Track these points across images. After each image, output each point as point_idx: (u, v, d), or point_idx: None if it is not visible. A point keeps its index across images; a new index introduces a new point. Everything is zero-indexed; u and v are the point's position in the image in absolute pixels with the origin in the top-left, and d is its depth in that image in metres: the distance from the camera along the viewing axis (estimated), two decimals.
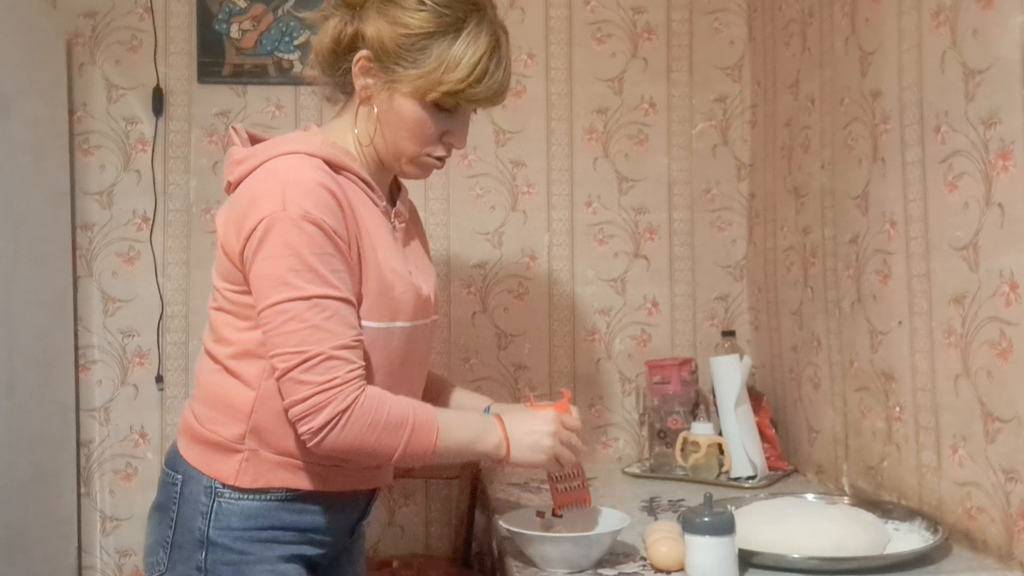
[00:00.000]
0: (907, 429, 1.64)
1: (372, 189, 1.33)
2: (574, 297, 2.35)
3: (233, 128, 1.36)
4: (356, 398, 1.20)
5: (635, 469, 2.14)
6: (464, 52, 1.26)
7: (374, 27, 1.28)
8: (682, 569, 1.31)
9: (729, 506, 1.49)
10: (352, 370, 1.20)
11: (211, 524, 1.26)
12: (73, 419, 2.21)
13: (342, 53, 1.32)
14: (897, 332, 1.66)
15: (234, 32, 2.28)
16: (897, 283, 1.66)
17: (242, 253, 1.22)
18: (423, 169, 1.36)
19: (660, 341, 2.36)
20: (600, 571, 1.38)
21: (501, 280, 2.33)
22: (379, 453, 1.23)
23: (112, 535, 2.26)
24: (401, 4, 1.27)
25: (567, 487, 1.46)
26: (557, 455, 1.35)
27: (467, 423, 1.33)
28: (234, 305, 1.28)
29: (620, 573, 1.38)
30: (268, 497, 1.28)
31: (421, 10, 1.26)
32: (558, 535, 1.40)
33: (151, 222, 2.27)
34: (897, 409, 1.67)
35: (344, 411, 1.19)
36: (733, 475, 1.97)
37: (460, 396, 1.59)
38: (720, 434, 2.00)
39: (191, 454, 1.30)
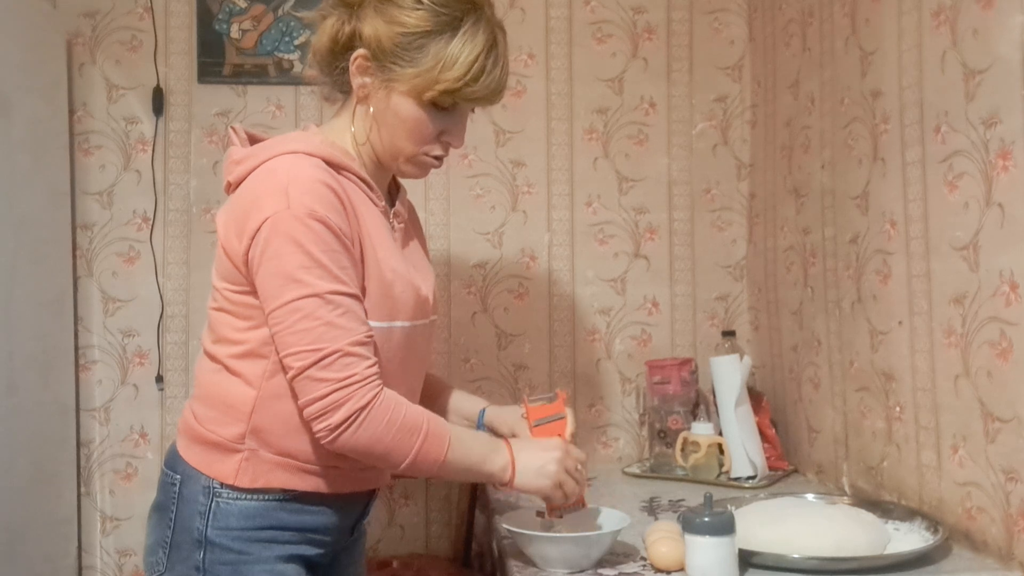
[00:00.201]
0: (907, 429, 1.64)
1: (371, 189, 1.33)
2: (574, 297, 2.34)
3: (232, 128, 1.36)
4: (375, 396, 1.20)
5: (635, 469, 2.13)
6: (461, 51, 1.26)
7: (371, 26, 1.28)
8: (682, 569, 1.31)
9: (729, 506, 1.49)
10: (370, 366, 1.20)
11: (209, 524, 1.26)
12: (73, 419, 2.21)
13: (340, 52, 1.32)
14: (897, 332, 1.66)
15: (234, 32, 2.28)
16: (897, 283, 1.66)
17: (247, 254, 1.22)
18: (421, 168, 1.36)
19: (660, 341, 2.36)
20: (600, 571, 1.38)
21: (501, 280, 2.33)
22: (391, 456, 1.23)
23: (112, 535, 2.26)
24: (398, 3, 1.27)
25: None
26: (561, 483, 1.34)
27: (477, 441, 1.33)
28: (234, 305, 1.28)
29: (620, 573, 1.38)
30: (267, 497, 1.28)
31: (418, 9, 1.26)
32: (558, 535, 1.40)
33: (151, 222, 2.27)
34: (897, 409, 1.67)
35: (363, 408, 1.19)
36: (733, 475, 1.97)
37: (457, 398, 1.59)
38: (720, 434, 2.00)
39: (190, 454, 1.30)
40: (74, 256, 2.24)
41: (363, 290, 1.26)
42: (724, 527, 1.26)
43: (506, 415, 1.52)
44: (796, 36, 2.07)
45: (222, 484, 1.27)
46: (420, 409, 1.27)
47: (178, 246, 2.28)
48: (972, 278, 1.43)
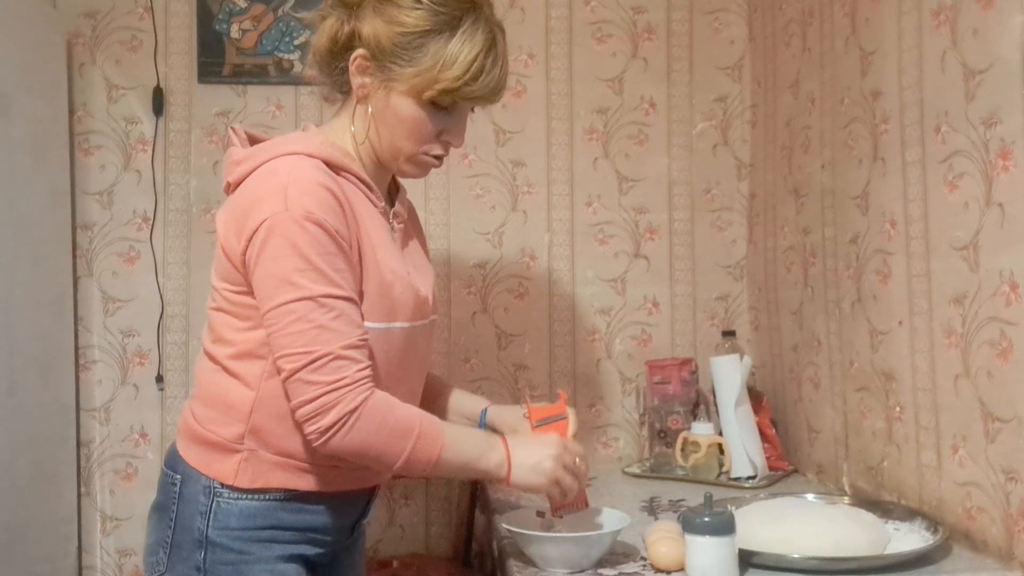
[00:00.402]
0: (907, 429, 1.64)
1: (371, 190, 1.33)
2: (574, 297, 2.34)
3: (232, 128, 1.36)
4: (365, 399, 1.20)
5: (635, 469, 2.13)
6: (460, 50, 1.26)
7: (371, 26, 1.28)
8: (682, 569, 1.31)
9: (729, 506, 1.49)
10: (361, 369, 1.20)
11: (210, 524, 1.26)
12: (73, 419, 2.21)
13: (339, 52, 1.32)
14: (897, 332, 1.66)
15: (234, 32, 2.28)
16: (897, 283, 1.66)
17: (244, 254, 1.22)
18: (421, 168, 1.36)
19: (660, 341, 2.35)
20: (600, 571, 1.38)
21: (501, 280, 2.33)
22: (384, 457, 1.23)
23: (112, 535, 2.26)
24: (397, 3, 1.27)
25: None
26: (558, 479, 1.34)
27: (471, 439, 1.32)
28: (233, 305, 1.28)
29: (620, 573, 1.38)
30: (267, 497, 1.28)
31: (417, 8, 1.26)
32: (558, 535, 1.40)
33: (151, 222, 2.27)
34: (897, 409, 1.67)
35: (353, 411, 1.19)
36: (733, 475, 1.97)
37: (458, 397, 1.59)
38: (720, 434, 2.00)
39: (190, 454, 1.30)
40: (74, 256, 2.24)
41: (361, 291, 1.26)
42: (724, 527, 1.26)
43: (508, 415, 1.52)
44: (796, 36, 2.07)
45: (222, 484, 1.27)
46: (413, 409, 1.27)
47: (178, 246, 2.28)
48: (972, 278, 1.43)
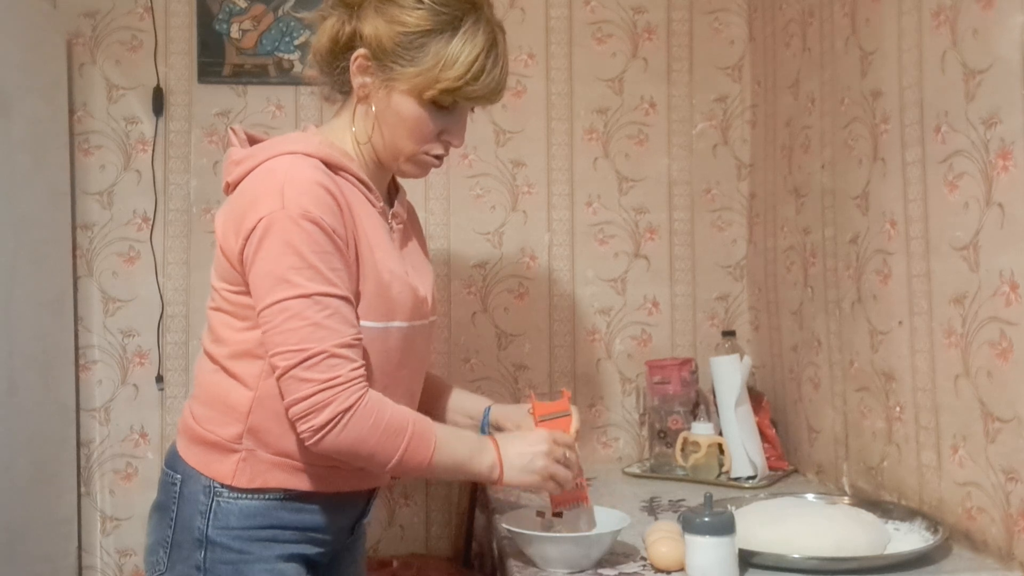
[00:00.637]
0: (907, 429, 1.64)
1: (370, 190, 1.33)
2: (574, 297, 2.34)
3: (232, 129, 1.36)
4: (359, 398, 1.20)
5: (635, 469, 2.13)
6: (461, 50, 1.26)
7: (372, 26, 1.28)
8: (682, 569, 1.31)
9: (729, 506, 1.49)
10: (355, 368, 1.20)
11: (210, 523, 1.26)
12: (73, 419, 2.21)
13: (340, 52, 1.32)
14: (897, 332, 1.66)
15: (234, 32, 2.28)
16: (897, 283, 1.66)
17: (242, 253, 1.23)
18: (421, 168, 1.37)
19: (660, 341, 2.35)
20: (600, 571, 1.38)
21: (501, 280, 2.33)
22: (376, 457, 1.23)
23: (112, 535, 2.26)
24: (398, 2, 1.27)
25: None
26: (552, 474, 1.34)
27: (463, 440, 1.32)
28: (232, 305, 1.28)
29: (620, 573, 1.38)
30: (267, 496, 1.28)
31: (418, 8, 1.26)
32: (558, 535, 1.40)
33: (151, 222, 2.27)
34: (897, 409, 1.67)
35: (346, 410, 1.19)
36: (733, 475, 1.97)
37: (459, 397, 1.59)
38: (720, 434, 2.00)
39: (190, 454, 1.31)
40: (74, 256, 2.24)
41: (358, 291, 1.26)
42: (724, 527, 1.26)
43: (511, 412, 1.53)
44: (796, 36, 2.07)
45: (222, 484, 1.27)
46: (406, 410, 1.27)
47: (178, 246, 2.28)
48: (972, 278, 1.43)
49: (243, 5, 2.28)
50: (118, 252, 2.27)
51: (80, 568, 2.23)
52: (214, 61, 2.27)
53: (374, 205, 1.33)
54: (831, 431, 1.93)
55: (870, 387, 1.76)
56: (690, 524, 1.27)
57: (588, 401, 2.33)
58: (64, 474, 2.17)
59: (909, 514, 1.55)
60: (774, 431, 2.09)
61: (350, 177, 1.30)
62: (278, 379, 1.20)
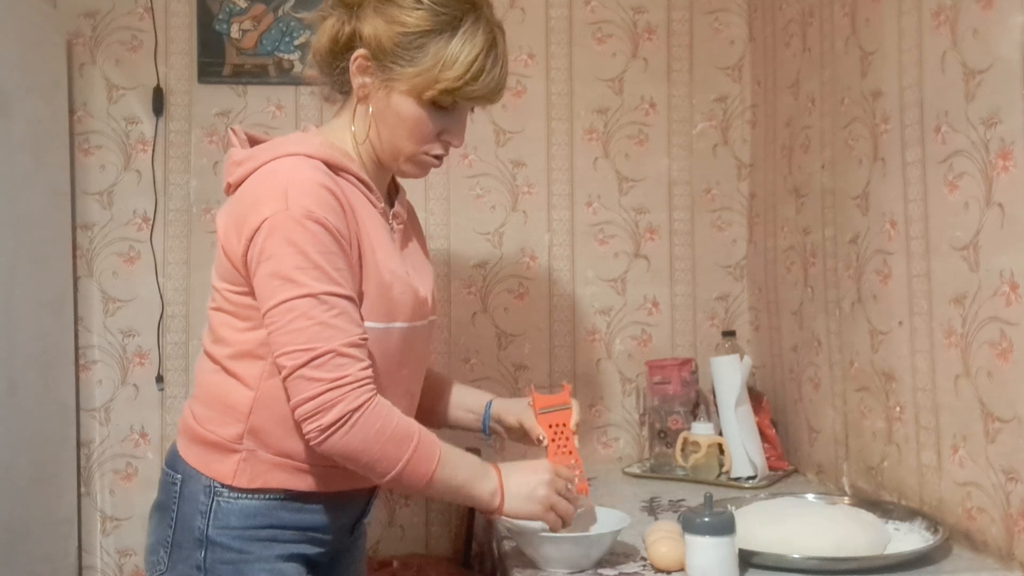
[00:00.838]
0: (907, 429, 1.64)
1: (370, 190, 1.33)
2: (574, 297, 2.34)
3: (232, 129, 1.36)
4: (368, 399, 1.19)
5: (635, 469, 2.13)
6: (461, 50, 1.26)
7: (371, 26, 1.28)
8: (682, 569, 1.31)
9: (729, 506, 1.49)
10: (363, 369, 1.20)
11: (210, 523, 1.26)
12: (73, 419, 2.21)
13: (340, 52, 1.32)
14: (897, 332, 1.66)
15: (234, 32, 2.28)
16: (897, 283, 1.66)
17: (245, 254, 1.22)
18: (421, 168, 1.37)
19: (660, 341, 2.35)
20: (600, 571, 1.38)
21: (501, 280, 2.33)
22: (379, 464, 1.21)
23: (112, 535, 2.26)
24: (398, 3, 1.27)
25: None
26: (553, 505, 1.33)
27: (467, 462, 1.30)
28: (233, 306, 1.28)
29: (620, 573, 1.38)
30: (267, 496, 1.28)
31: (418, 8, 1.26)
32: (558, 535, 1.39)
33: (151, 222, 2.27)
34: (897, 409, 1.67)
35: (355, 411, 1.18)
36: (733, 475, 1.97)
37: (461, 392, 1.59)
38: (720, 434, 2.00)
39: (190, 454, 1.31)
40: (74, 256, 2.24)
41: (361, 292, 1.26)
42: (724, 527, 1.26)
43: (512, 406, 1.53)
44: (796, 36, 2.07)
45: (222, 484, 1.27)
46: (412, 420, 1.26)
47: (178, 246, 2.28)
48: (972, 278, 1.43)
49: (243, 5, 2.28)
50: (118, 252, 2.27)
51: (80, 568, 2.23)
52: (214, 61, 2.27)
53: (375, 206, 1.33)
54: (831, 431, 1.93)
55: (870, 387, 1.76)
56: (690, 524, 1.27)
57: (588, 401, 2.33)
58: (64, 474, 2.17)
59: (909, 514, 1.55)
60: (774, 431, 2.09)
61: (351, 178, 1.30)
62: (285, 379, 1.20)
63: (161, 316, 2.27)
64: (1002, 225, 1.36)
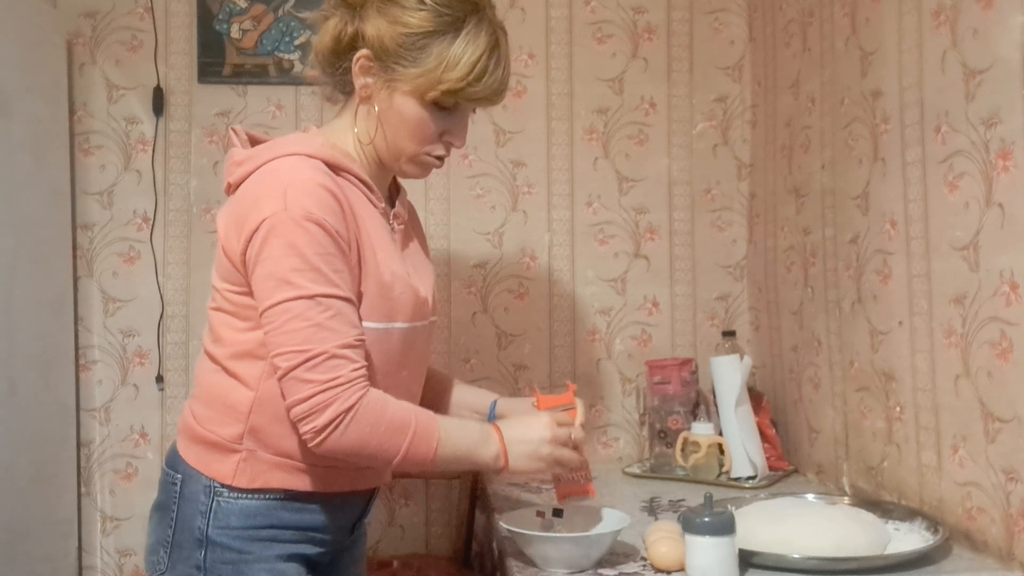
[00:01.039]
0: (907, 429, 1.64)
1: (371, 191, 1.33)
2: (574, 297, 2.34)
3: (233, 129, 1.36)
4: (360, 398, 1.20)
5: (635, 469, 2.13)
6: (464, 51, 1.26)
7: (374, 26, 1.28)
8: (682, 569, 1.31)
9: (729, 506, 1.49)
10: (356, 369, 1.20)
11: (210, 523, 1.26)
12: (73, 419, 2.21)
13: (342, 53, 1.32)
14: (897, 332, 1.66)
15: (234, 32, 2.28)
16: (897, 283, 1.66)
17: (244, 254, 1.23)
18: (423, 168, 1.37)
19: (660, 341, 2.36)
20: (600, 571, 1.38)
21: (501, 280, 2.33)
22: (380, 456, 1.23)
23: (112, 535, 2.26)
24: (401, 3, 1.27)
25: (570, 477, 1.45)
26: (558, 459, 1.34)
27: (467, 431, 1.32)
28: (233, 306, 1.28)
29: (620, 573, 1.38)
30: (267, 496, 1.28)
31: (421, 9, 1.26)
32: (558, 535, 1.40)
33: (151, 222, 2.27)
34: (897, 409, 1.67)
35: (347, 410, 1.19)
36: (733, 475, 1.97)
37: (463, 392, 1.59)
38: (720, 434, 2.00)
39: (190, 454, 1.31)
40: (74, 256, 2.24)
41: (360, 292, 1.26)
42: (724, 527, 1.26)
43: (517, 406, 1.52)
44: (796, 36, 2.07)
45: (222, 484, 1.27)
46: (407, 405, 1.26)
47: (178, 246, 2.28)
48: (972, 278, 1.43)
49: (243, 5, 2.28)
50: (118, 252, 2.27)
51: (80, 568, 2.23)
52: (214, 61, 2.27)
53: (376, 206, 1.33)
54: (831, 431, 1.93)
55: (870, 387, 1.76)
56: (690, 524, 1.27)
57: (588, 401, 2.32)
58: (64, 474, 2.17)
59: (909, 514, 1.55)
60: (774, 431, 2.09)
61: (352, 178, 1.30)
62: (280, 380, 1.20)
63: (161, 316, 2.27)
64: (1002, 225, 1.36)
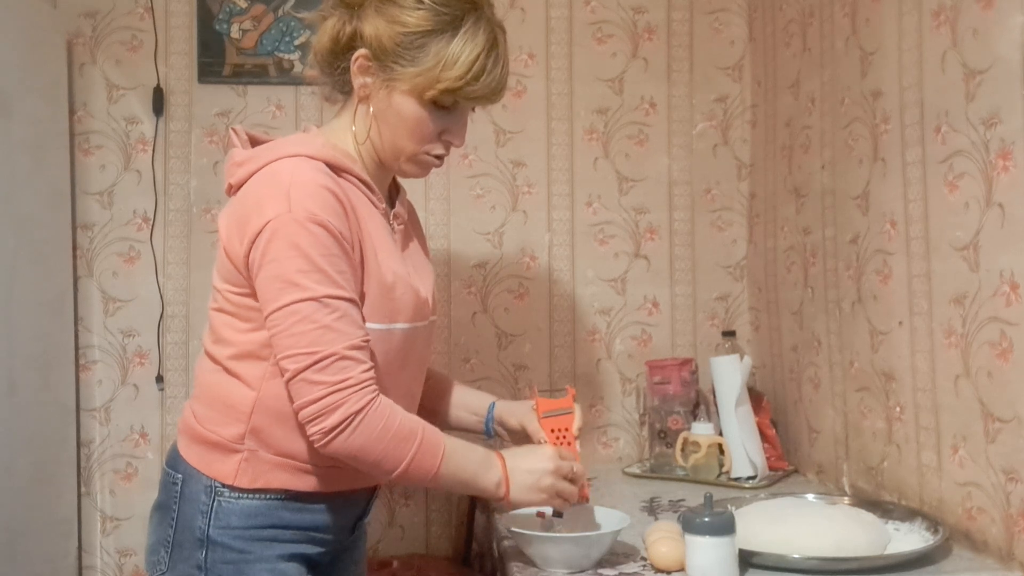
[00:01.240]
0: (907, 429, 1.64)
1: (372, 191, 1.33)
2: (574, 297, 2.34)
3: (233, 129, 1.36)
4: (371, 401, 1.20)
5: (635, 469, 2.13)
6: (462, 50, 1.26)
7: (372, 26, 1.28)
8: (682, 569, 1.31)
9: (729, 506, 1.49)
10: (365, 371, 1.20)
11: (211, 523, 1.26)
12: (73, 419, 2.21)
13: (341, 52, 1.32)
14: (897, 332, 1.66)
15: (234, 32, 2.28)
16: (897, 283, 1.66)
17: (247, 256, 1.22)
18: (422, 167, 1.37)
19: (660, 341, 2.35)
20: (600, 571, 1.38)
21: (501, 280, 2.33)
22: (384, 463, 1.22)
23: (112, 535, 2.26)
24: (399, 3, 1.27)
25: None
26: (559, 491, 1.34)
27: (471, 455, 1.31)
28: (235, 306, 1.28)
29: (620, 573, 1.38)
30: (268, 496, 1.28)
31: (419, 8, 1.27)
32: (558, 535, 1.40)
33: (151, 222, 2.27)
34: (897, 409, 1.67)
35: (357, 412, 1.19)
36: (733, 475, 1.97)
37: (462, 393, 1.59)
38: (720, 434, 2.00)
39: (191, 454, 1.31)
40: (74, 256, 2.24)
41: (362, 293, 1.26)
42: (724, 527, 1.26)
43: (515, 408, 1.53)
44: (796, 36, 2.07)
45: (223, 484, 1.27)
46: (416, 418, 1.27)
47: (178, 246, 2.28)
48: (972, 278, 1.43)
49: (243, 5, 2.28)
50: (118, 252, 2.27)
51: (80, 568, 2.23)
52: (214, 61, 2.27)
53: (376, 207, 1.33)
54: (831, 431, 1.93)
55: (870, 387, 1.76)
56: (690, 524, 1.27)
57: (588, 401, 2.32)
58: (64, 474, 2.17)
59: (909, 514, 1.55)
60: (774, 431, 2.09)
61: (353, 179, 1.30)
62: (288, 382, 1.20)
63: (161, 316, 2.27)
64: (1002, 225, 1.36)
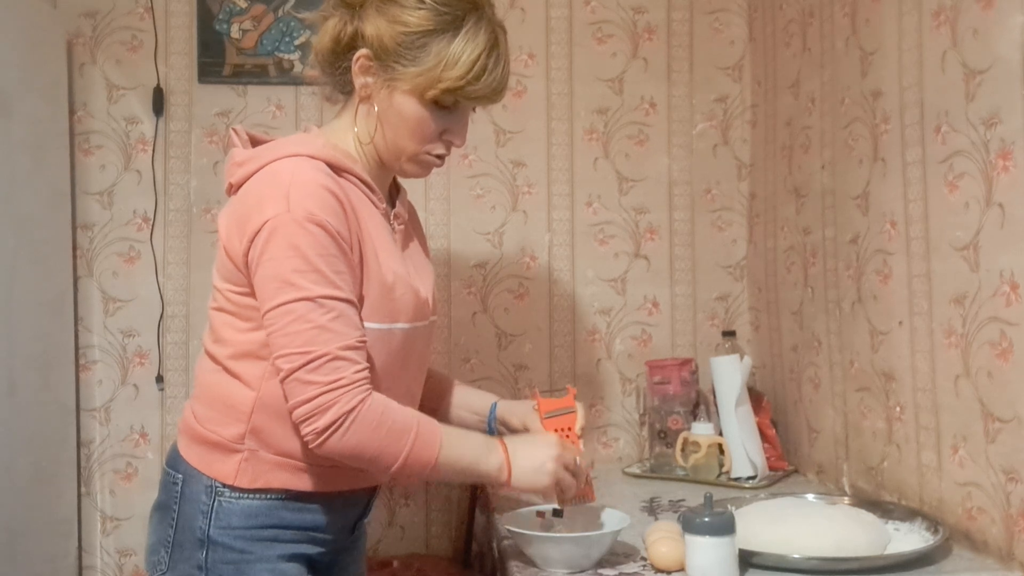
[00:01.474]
0: (907, 429, 1.64)
1: (373, 191, 1.33)
2: (574, 297, 2.34)
3: (233, 129, 1.36)
4: (363, 400, 1.20)
5: (635, 469, 2.13)
6: (463, 50, 1.26)
7: (373, 26, 1.28)
8: (682, 569, 1.31)
9: (729, 506, 1.49)
10: (358, 371, 1.20)
11: (212, 523, 1.26)
12: (73, 419, 2.21)
13: (342, 52, 1.32)
14: (897, 332, 1.66)
15: (234, 32, 2.28)
16: (897, 283, 1.66)
17: (246, 255, 1.23)
18: (423, 167, 1.37)
19: (660, 341, 2.36)
20: (600, 571, 1.38)
21: (501, 280, 2.33)
22: (381, 459, 1.22)
23: (112, 535, 2.26)
24: (400, 3, 1.27)
25: None
26: (560, 479, 1.34)
27: (470, 441, 1.32)
28: (235, 306, 1.28)
29: (620, 573, 1.38)
30: (268, 496, 1.28)
31: (420, 8, 1.27)
32: (558, 535, 1.40)
33: (151, 222, 2.27)
34: (897, 409, 1.67)
35: (349, 412, 1.19)
36: (733, 475, 1.97)
37: (463, 393, 1.59)
38: (720, 434, 2.00)
39: (191, 454, 1.31)
40: (74, 256, 2.24)
41: (362, 293, 1.26)
42: (724, 527, 1.26)
43: (517, 408, 1.53)
44: (796, 36, 2.07)
45: (223, 484, 1.27)
46: (410, 411, 1.27)
47: (178, 246, 2.28)
48: (972, 278, 1.43)
49: (243, 5, 2.28)
50: (118, 252, 2.27)
51: (80, 568, 2.23)
52: (214, 61, 2.27)
53: (377, 207, 1.33)
54: (831, 431, 1.93)
55: (870, 387, 1.76)
56: (690, 524, 1.27)
57: (588, 401, 2.32)
58: (64, 474, 2.17)
59: (909, 514, 1.55)
60: (774, 431, 2.09)
61: (353, 179, 1.30)
62: (282, 381, 1.20)
63: (161, 316, 2.27)
64: (1002, 225, 1.36)
